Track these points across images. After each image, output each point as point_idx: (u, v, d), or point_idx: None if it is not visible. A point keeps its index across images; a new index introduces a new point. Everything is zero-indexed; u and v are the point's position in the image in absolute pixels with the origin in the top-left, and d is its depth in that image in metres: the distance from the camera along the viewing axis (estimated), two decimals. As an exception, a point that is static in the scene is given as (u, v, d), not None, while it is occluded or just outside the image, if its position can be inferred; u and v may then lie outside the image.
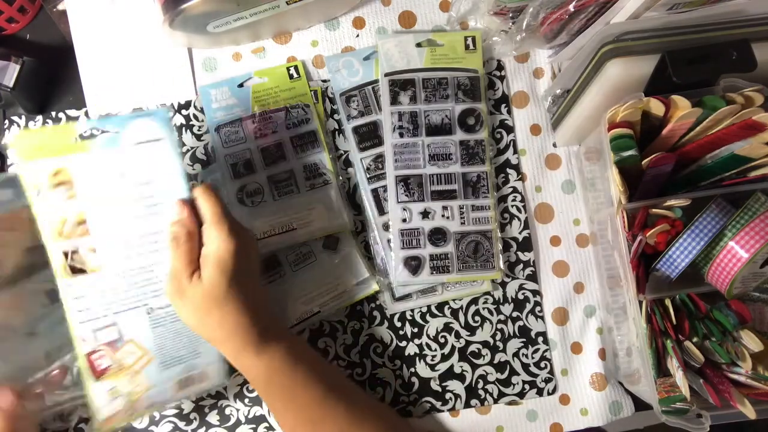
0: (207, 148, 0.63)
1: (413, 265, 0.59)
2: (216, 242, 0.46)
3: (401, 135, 0.61)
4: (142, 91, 0.64)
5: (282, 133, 0.62)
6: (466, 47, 0.63)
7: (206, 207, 0.47)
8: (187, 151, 0.63)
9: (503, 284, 0.63)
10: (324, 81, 0.64)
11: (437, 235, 0.60)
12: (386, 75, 0.62)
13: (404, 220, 0.60)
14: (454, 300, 0.62)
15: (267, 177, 0.61)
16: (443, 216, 0.60)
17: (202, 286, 0.46)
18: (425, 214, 0.60)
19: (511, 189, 0.64)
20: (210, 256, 0.47)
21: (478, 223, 0.61)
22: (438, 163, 0.61)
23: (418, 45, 0.63)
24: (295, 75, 0.63)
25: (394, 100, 0.62)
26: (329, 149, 0.62)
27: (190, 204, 0.48)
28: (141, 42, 0.64)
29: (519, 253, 0.63)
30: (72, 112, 0.63)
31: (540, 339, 0.62)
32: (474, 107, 0.62)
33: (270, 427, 0.60)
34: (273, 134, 0.61)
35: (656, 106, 0.50)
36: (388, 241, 0.60)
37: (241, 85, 0.63)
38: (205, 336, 0.49)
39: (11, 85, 0.58)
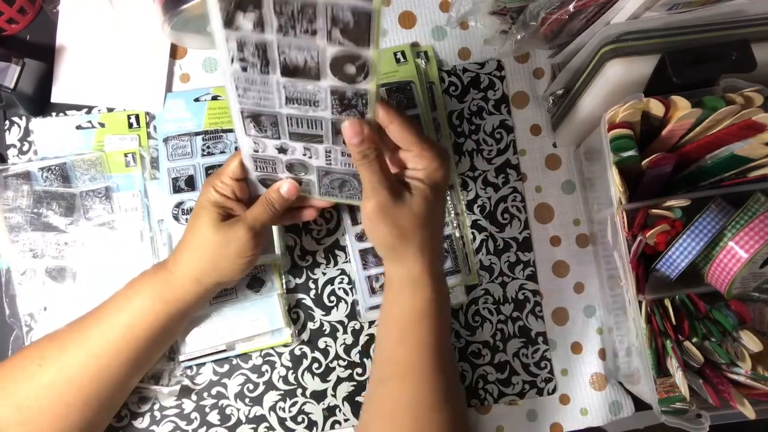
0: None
1: (268, 184, 0.53)
2: (424, 162, 0.45)
3: (244, 69, 0.43)
4: (112, 94, 0.63)
5: (230, 154, 0.60)
6: None
7: (402, 129, 0.44)
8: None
9: (503, 284, 0.63)
10: None
11: (297, 166, 0.51)
12: None
13: (256, 150, 0.50)
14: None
15: None
16: (305, 155, 0.49)
17: (409, 207, 0.44)
18: (282, 150, 0.49)
19: (511, 189, 0.64)
20: (419, 177, 0.45)
21: (350, 167, 0.50)
22: (299, 107, 0.45)
23: None
24: None
25: (230, 22, 0.40)
26: None
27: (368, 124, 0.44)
28: (124, 47, 0.64)
29: (519, 253, 0.63)
30: (72, 113, 0.63)
31: (540, 339, 0.62)
32: (358, 54, 0.40)
33: (270, 427, 0.60)
34: (221, 154, 0.61)
35: (656, 107, 0.50)
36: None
37: (197, 100, 0.63)
38: (386, 254, 0.48)
39: (11, 86, 0.58)
